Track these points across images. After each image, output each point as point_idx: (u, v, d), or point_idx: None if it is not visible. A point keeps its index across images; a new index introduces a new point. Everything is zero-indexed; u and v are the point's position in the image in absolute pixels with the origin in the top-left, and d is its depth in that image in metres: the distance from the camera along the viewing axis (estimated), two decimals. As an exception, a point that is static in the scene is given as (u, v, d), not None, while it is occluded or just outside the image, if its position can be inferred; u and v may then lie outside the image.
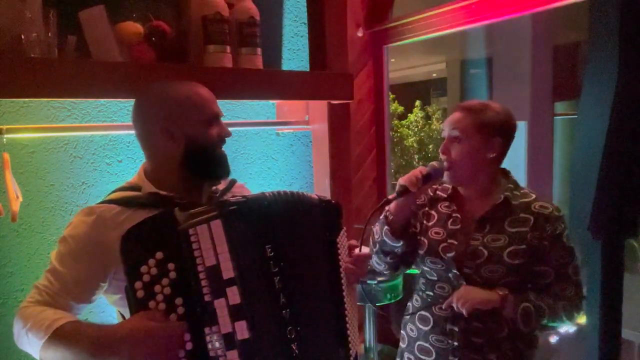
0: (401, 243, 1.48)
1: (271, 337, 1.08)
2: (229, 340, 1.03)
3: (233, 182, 1.34)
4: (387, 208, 1.49)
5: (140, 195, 1.18)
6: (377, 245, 1.54)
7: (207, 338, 1.03)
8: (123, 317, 1.17)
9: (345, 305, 1.20)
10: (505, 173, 1.54)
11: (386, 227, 1.48)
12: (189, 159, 1.19)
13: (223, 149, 1.25)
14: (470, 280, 1.42)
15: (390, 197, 1.43)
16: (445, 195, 1.55)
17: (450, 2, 2.49)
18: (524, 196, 1.46)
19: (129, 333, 0.99)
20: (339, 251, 1.22)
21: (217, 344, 1.03)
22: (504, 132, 1.46)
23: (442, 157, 1.47)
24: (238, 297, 1.04)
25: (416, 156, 8.00)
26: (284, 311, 1.10)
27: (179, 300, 1.03)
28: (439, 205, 1.55)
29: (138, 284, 1.02)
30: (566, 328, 3.40)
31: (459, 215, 1.49)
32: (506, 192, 1.45)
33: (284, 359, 1.09)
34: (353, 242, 1.29)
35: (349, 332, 1.20)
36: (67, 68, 1.27)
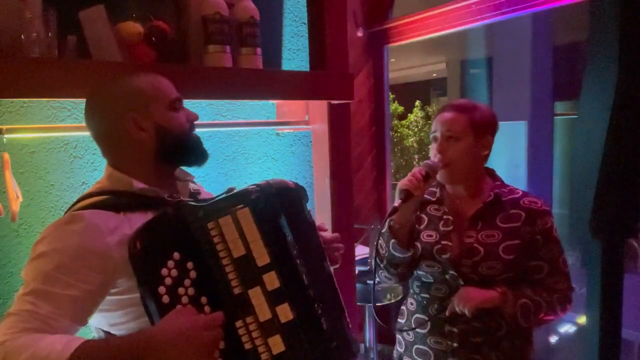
0: (411, 252, 1.46)
1: (308, 316, 1.08)
2: (269, 327, 1.02)
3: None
4: (390, 219, 1.46)
5: (124, 198, 1.09)
6: (385, 261, 1.50)
7: (241, 331, 1.01)
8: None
9: (334, 279, 1.23)
10: (491, 172, 1.55)
11: (393, 240, 1.46)
12: (165, 147, 1.13)
13: (195, 132, 1.20)
14: (468, 279, 1.41)
15: (396, 204, 1.40)
16: (434, 199, 1.55)
17: (450, 2, 2.49)
18: (511, 193, 1.48)
19: (176, 334, 0.92)
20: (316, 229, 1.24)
21: (253, 335, 1.01)
22: (493, 131, 1.49)
23: (437, 156, 1.46)
24: (277, 281, 1.04)
25: (416, 156, 8.00)
26: (309, 290, 1.09)
27: (203, 299, 1.00)
28: (428, 208, 1.55)
29: (162, 289, 0.97)
30: (566, 328, 3.40)
31: (450, 217, 1.49)
32: (495, 190, 1.47)
33: (318, 334, 1.08)
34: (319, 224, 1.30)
35: (343, 302, 1.23)
36: (67, 68, 1.26)
